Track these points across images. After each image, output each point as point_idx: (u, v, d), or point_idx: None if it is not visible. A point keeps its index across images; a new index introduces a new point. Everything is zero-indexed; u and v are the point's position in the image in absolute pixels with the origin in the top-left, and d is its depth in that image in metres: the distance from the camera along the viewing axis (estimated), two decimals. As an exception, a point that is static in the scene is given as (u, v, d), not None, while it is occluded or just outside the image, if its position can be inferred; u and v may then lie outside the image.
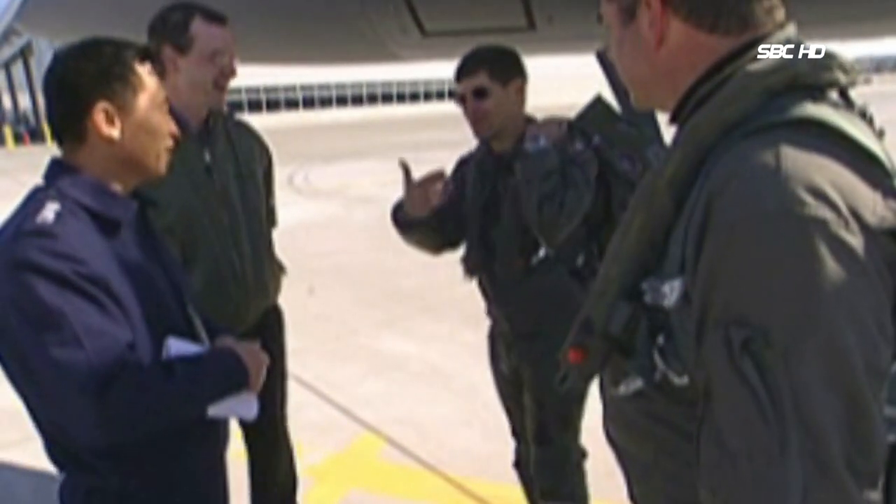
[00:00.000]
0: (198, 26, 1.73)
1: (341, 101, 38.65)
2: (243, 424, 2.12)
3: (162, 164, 1.26)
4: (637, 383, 0.81)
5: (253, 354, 1.31)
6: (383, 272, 6.18)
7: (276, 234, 2.14)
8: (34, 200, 1.15)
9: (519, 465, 2.18)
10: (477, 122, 1.82)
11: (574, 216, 1.70)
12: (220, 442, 1.38)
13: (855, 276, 0.64)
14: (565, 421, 1.97)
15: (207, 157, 1.84)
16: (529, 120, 1.89)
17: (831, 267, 0.63)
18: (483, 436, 3.01)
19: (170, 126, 1.25)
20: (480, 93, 1.79)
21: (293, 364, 2.47)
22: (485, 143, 1.95)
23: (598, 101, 1.86)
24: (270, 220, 2.10)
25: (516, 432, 2.16)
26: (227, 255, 1.85)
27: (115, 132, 1.17)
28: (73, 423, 1.11)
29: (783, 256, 0.65)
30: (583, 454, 2.02)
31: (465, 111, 1.85)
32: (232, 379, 1.26)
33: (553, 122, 1.81)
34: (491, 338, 2.11)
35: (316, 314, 4.89)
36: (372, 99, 39.76)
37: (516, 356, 2.00)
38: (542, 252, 1.81)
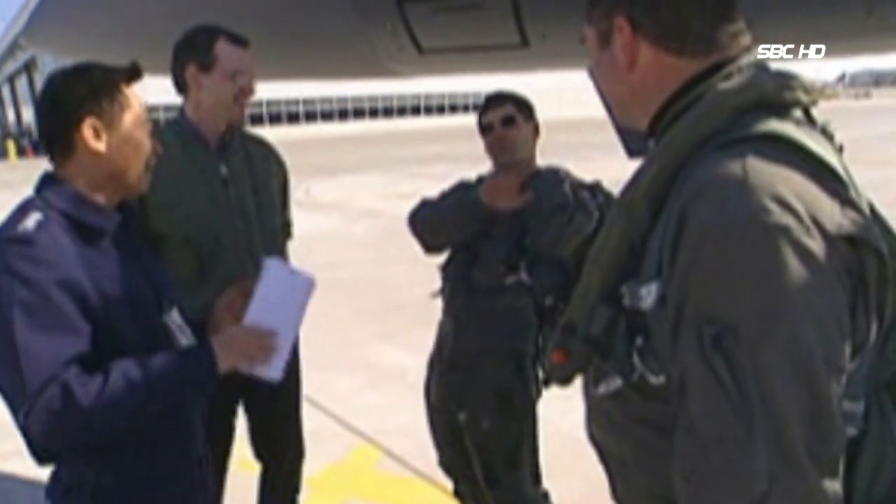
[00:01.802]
0: (221, 47, 1.83)
1: (343, 114, 38.89)
2: (259, 431, 2.14)
3: (143, 179, 1.35)
4: (616, 382, 0.85)
5: (230, 339, 1.33)
6: (383, 285, 6.21)
7: (280, 247, 2.18)
8: (21, 210, 1.24)
9: (457, 494, 2.19)
10: (504, 148, 1.90)
11: (579, 233, 1.74)
12: (194, 440, 1.42)
13: (815, 277, 0.69)
14: (512, 461, 1.95)
15: (224, 170, 1.92)
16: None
17: (794, 269, 0.68)
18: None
19: (152, 145, 1.35)
20: (509, 120, 1.89)
21: (291, 375, 2.49)
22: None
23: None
24: (286, 232, 2.18)
25: (448, 469, 2.16)
26: (242, 266, 1.90)
27: (101, 146, 1.26)
28: (18, 422, 1.16)
29: (750, 260, 0.69)
30: (538, 480, 2.01)
31: (488, 141, 1.92)
32: (194, 383, 1.28)
33: (559, 168, 1.93)
34: (430, 365, 2.12)
35: (316, 325, 4.90)
36: (373, 113, 40.00)
37: (445, 387, 2.01)
38: (522, 274, 1.85)
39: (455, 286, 1.97)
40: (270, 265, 1.42)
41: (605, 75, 0.94)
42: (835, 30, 1.85)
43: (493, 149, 1.92)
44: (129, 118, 1.30)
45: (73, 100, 1.26)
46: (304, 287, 1.42)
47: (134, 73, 1.33)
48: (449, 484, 2.79)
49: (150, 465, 1.31)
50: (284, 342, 1.38)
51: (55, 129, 1.27)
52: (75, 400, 1.14)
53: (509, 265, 1.86)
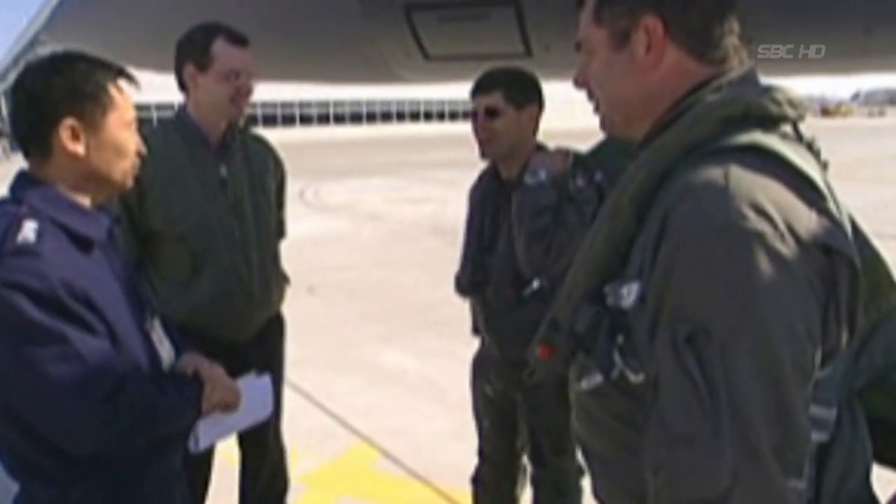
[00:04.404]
0: (218, 46, 1.82)
1: (355, 118, 39.06)
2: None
3: (127, 179, 1.27)
4: (597, 379, 0.88)
5: (213, 377, 1.37)
6: (387, 287, 6.25)
7: (285, 247, 2.22)
8: (6, 217, 1.14)
9: (476, 481, 2.20)
10: (484, 141, 1.84)
11: (562, 257, 1.67)
12: (177, 450, 1.39)
13: (787, 283, 0.72)
14: (558, 444, 1.99)
15: (224, 170, 1.93)
16: (539, 147, 1.89)
17: (766, 274, 0.71)
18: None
19: (137, 145, 1.27)
20: (492, 112, 1.80)
21: (293, 373, 2.54)
22: (493, 167, 1.97)
23: (612, 139, 1.85)
24: (279, 231, 2.18)
25: (482, 452, 2.17)
26: (235, 266, 1.93)
27: (79, 148, 1.18)
28: (71, 435, 1.14)
29: (725, 263, 0.73)
30: (580, 471, 2.04)
31: (473, 127, 1.85)
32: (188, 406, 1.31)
33: (558, 155, 1.81)
34: (478, 359, 2.11)
35: (319, 326, 4.96)
36: (385, 117, 40.15)
37: (504, 381, 2.00)
38: (535, 283, 1.80)
39: (475, 303, 1.99)
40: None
41: (616, 77, 0.92)
42: (833, 48, 1.87)
43: (477, 137, 1.86)
44: (112, 119, 1.20)
45: (51, 98, 1.15)
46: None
47: (120, 73, 1.24)
48: (443, 484, 2.85)
49: (135, 478, 1.27)
50: (230, 425, 1.46)
51: (30, 129, 1.18)
52: (148, 396, 1.19)
53: (519, 284, 1.82)
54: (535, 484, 2.08)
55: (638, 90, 0.91)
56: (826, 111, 70.24)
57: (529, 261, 1.72)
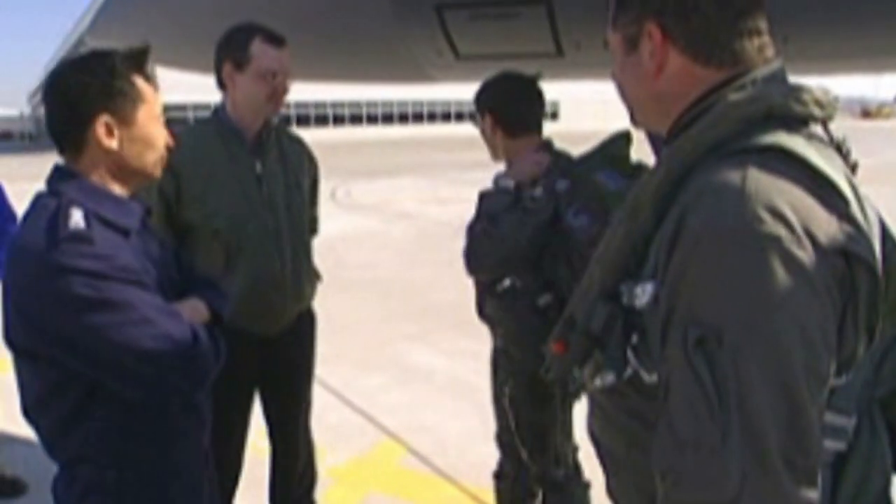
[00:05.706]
0: (256, 46, 1.86)
1: (387, 118, 39.28)
2: (268, 421, 2.23)
3: (157, 169, 1.34)
4: (610, 378, 0.88)
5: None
6: (417, 286, 6.28)
7: (316, 245, 2.24)
8: (47, 207, 1.18)
9: (498, 476, 2.19)
10: None
11: (484, 265, 1.81)
12: (204, 432, 1.43)
13: (803, 288, 0.71)
14: (540, 443, 1.98)
15: (259, 167, 1.97)
16: (547, 145, 1.92)
17: (781, 278, 0.70)
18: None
19: (165, 138, 1.33)
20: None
21: (323, 370, 2.57)
22: None
23: (619, 138, 1.79)
24: (312, 227, 2.22)
25: (500, 441, 2.16)
26: (269, 260, 1.97)
27: (114, 143, 1.23)
28: (170, 386, 1.25)
29: (739, 266, 0.72)
30: (568, 477, 2.04)
31: None
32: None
33: (530, 160, 1.84)
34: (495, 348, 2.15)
35: (348, 324, 5.01)
36: (417, 117, 40.29)
37: (497, 370, 2.06)
38: (507, 281, 1.83)
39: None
40: None
41: (629, 80, 0.95)
42: (883, 45, 1.82)
43: None
44: (142, 113, 1.26)
45: (86, 97, 1.21)
46: None
47: (142, 56, 1.28)
48: (469, 483, 2.85)
49: (167, 460, 1.32)
50: None
51: (66, 126, 1.23)
52: (213, 341, 1.29)
53: (488, 281, 1.88)
54: (537, 480, 2.07)
55: (647, 94, 0.93)
56: (867, 113, 68.28)
57: (465, 261, 1.84)
